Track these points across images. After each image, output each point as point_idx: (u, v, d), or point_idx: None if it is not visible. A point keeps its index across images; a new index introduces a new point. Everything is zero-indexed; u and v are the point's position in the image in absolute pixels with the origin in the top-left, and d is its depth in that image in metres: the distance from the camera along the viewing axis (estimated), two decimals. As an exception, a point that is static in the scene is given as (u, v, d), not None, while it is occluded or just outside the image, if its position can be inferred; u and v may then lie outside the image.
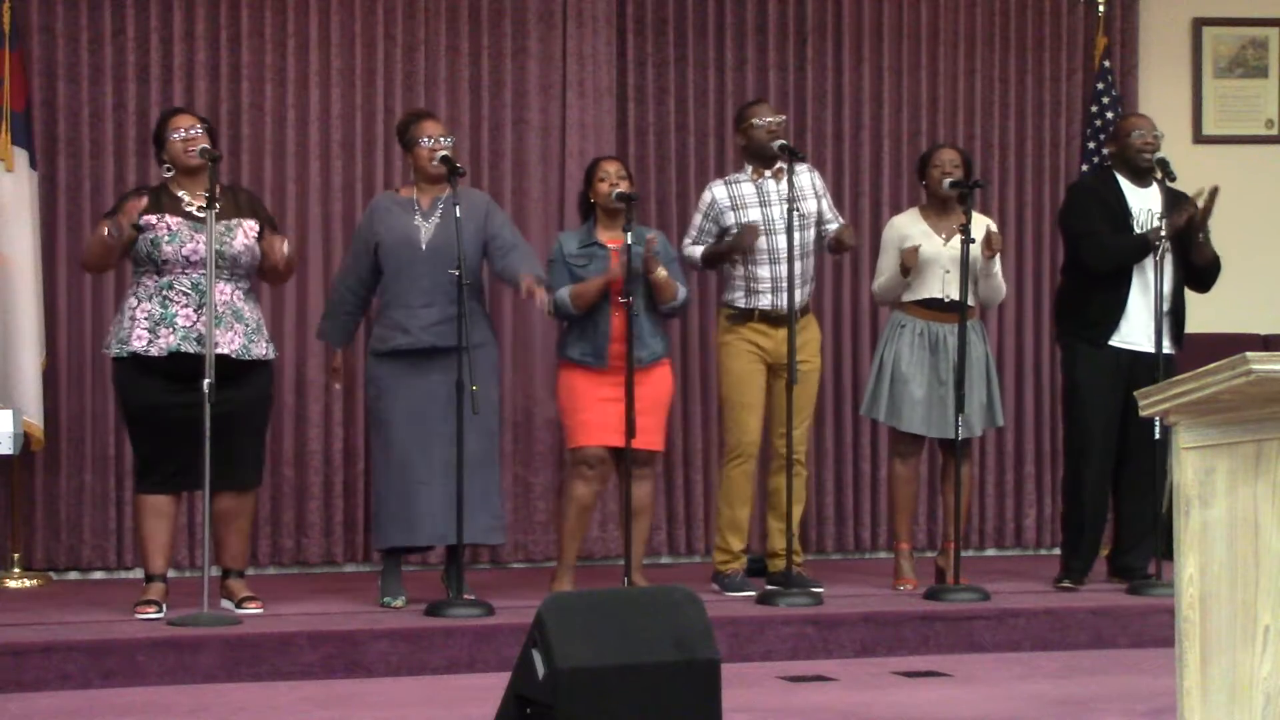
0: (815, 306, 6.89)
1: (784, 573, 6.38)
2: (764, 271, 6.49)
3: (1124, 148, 6.68)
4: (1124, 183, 6.67)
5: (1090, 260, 6.59)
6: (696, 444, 7.76)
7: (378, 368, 6.14)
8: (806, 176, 6.62)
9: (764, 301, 6.50)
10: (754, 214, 6.49)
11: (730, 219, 6.52)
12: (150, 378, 5.79)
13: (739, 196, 6.54)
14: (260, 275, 6.06)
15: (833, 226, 6.64)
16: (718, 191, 6.59)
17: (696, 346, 7.72)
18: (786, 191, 6.35)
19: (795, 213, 6.29)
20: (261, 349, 5.91)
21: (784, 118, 6.68)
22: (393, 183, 7.23)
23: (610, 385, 6.21)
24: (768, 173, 6.54)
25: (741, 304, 6.55)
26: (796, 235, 6.37)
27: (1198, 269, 6.59)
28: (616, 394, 6.17)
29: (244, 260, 5.87)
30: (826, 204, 6.67)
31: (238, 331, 5.82)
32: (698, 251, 6.61)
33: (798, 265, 6.41)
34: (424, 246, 6.05)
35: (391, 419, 6.06)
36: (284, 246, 5.92)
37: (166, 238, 5.77)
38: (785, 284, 6.39)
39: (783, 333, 6.41)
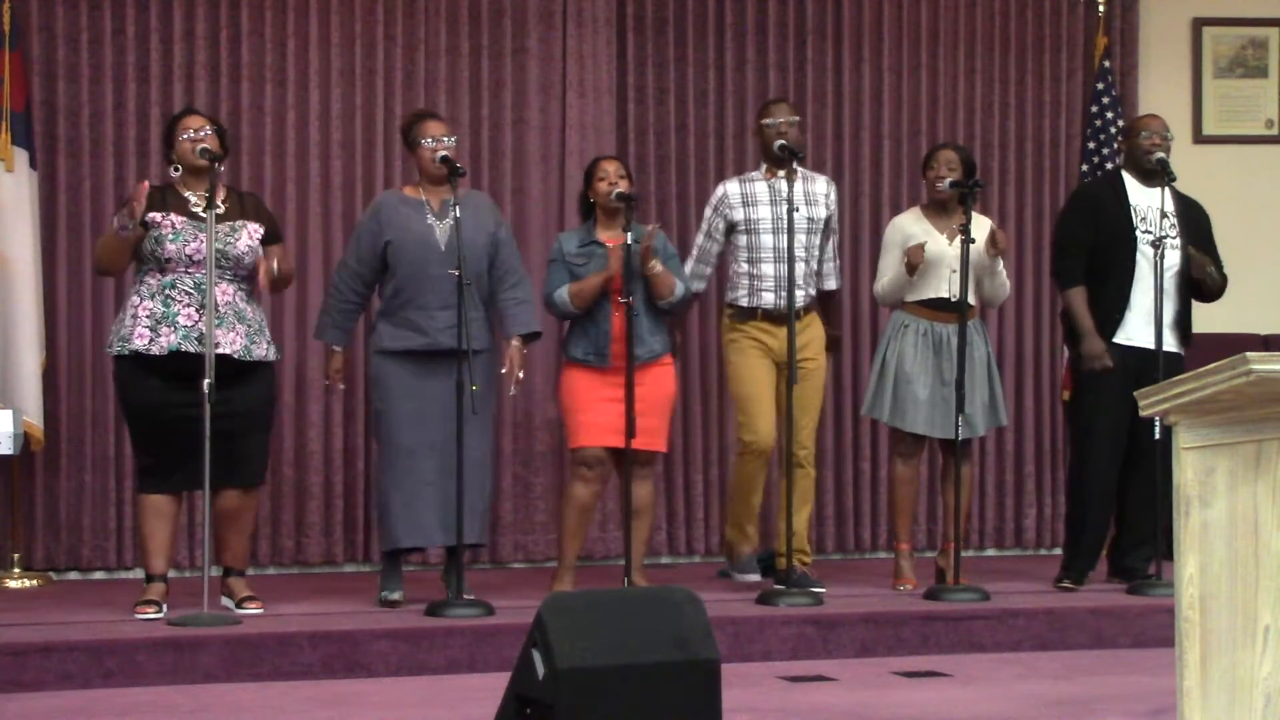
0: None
1: (785, 572, 6.38)
2: (769, 270, 6.49)
3: (1133, 147, 6.70)
4: (1130, 183, 6.67)
5: (1055, 272, 6.86)
6: (697, 443, 7.76)
7: (385, 366, 6.10)
8: (823, 184, 6.66)
9: (767, 300, 6.51)
10: (764, 211, 6.50)
11: (739, 215, 6.53)
12: (151, 377, 5.78)
13: (750, 193, 6.55)
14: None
15: (829, 281, 6.69)
16: (730, 187, 6.60)
17: (698, 346, 7.72)
18: (799, 192, 6.39)
19: (794, 212, 6.29)
20: (263, 350, 5.90)
21: (797, 118, 6.61)
22: (393, 182, 7.24)
23: (612, 385, 6.20)
24: (780, 173, 6.53)
25: (744, 302, 6.55)
26: (800, 237, 6.42)
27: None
28: (618, 394, 6.16)
29: (247, 261, 5.86)
30: (832, 246, 6.70)
31: (239, 332, 5.81)
32: (700, 276, 6.66)
33: (800, 267, 6.42)
34: (443, 248, 6.02)
35: (397, 420, 6.04)
36: (273, 265, 5.88)
37: (170, 236, 5.77)
38: (788, 284, 6.38)
39: (785, 331, 6.41)
